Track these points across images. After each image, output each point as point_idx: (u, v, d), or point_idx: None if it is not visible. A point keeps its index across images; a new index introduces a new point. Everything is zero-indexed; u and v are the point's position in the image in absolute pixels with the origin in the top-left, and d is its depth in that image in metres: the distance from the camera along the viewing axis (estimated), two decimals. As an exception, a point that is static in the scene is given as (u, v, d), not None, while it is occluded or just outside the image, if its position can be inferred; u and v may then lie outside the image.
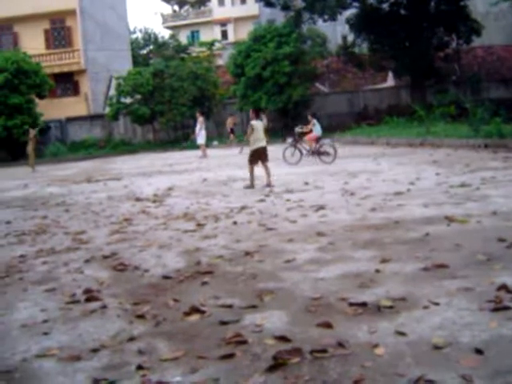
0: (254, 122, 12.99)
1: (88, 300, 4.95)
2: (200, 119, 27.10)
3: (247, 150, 13.76)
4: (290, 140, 19.32)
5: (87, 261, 6.59)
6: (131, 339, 3.94)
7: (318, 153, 17.82)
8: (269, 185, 12.52)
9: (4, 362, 3.74)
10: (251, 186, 12.59)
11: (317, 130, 18.81)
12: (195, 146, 30.05)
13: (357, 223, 7.46)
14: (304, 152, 18.16)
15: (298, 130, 19.04)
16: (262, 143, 12.89)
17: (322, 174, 13.97)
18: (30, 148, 27.30)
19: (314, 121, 19.10)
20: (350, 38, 37.64)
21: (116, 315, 4.50)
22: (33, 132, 28.06)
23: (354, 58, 36.58)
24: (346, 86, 40.67)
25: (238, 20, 69.20)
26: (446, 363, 3.17)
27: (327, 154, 17.46)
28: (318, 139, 18.50)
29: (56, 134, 39.59)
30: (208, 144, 33.45)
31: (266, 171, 12.79)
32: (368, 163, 15.93)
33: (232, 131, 32.40)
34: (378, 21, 32.78)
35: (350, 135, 29.39)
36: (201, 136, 26.60)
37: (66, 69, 42.50)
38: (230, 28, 70.39)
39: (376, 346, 3.45)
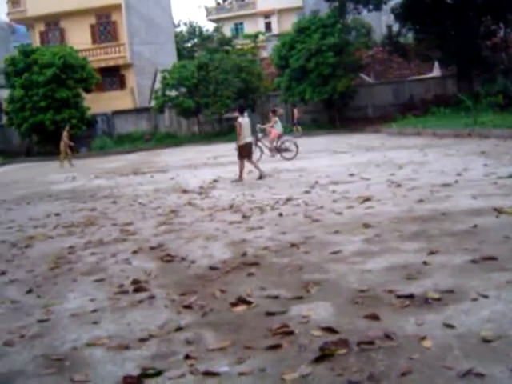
0: (240, 120, 13.65)
1: (136, 290, 5.02)
2: (275, 119, 26.98)
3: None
4: (258, 128, 19.38)
5: (135, 252, 6.68)
6: (179, 329, 3.98)
7: (278, 150, 18.25)
8: (261, 176, 13.40)
9: (55, 350, 3.83)
10: (240, 179, 13.35)
11: (278, 127, 19.15)
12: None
13: (403, 215, 7.38)
14: (264, 150, 18.38)
15: (259, 127, 19.44)
16: (249, 139, 13.81)
17: (367, 166, 13.85)
18: (63, 144, 27.65)
19: (276, 118, 19.49)
20: (395, 27, 37.14)
21: (163, 305, 4.56)
22: (66, 130, 28.41)
23: (399, 48, 36.08)
24: (392, 77, 40.19)
25: (281, 12, 68.86)
26: (494, 356, 3.12)
27: (289, 150, 17.97)
28: (279, 136, 18.83)
29: (103, 127, 40.11)
30: (253, 136, 33.51)
31: (253, 165, 13.89)
32: (414, 154, 15.73)
33: (297, 122, 32.53)
34: (424, 10, 32.23)
35: (396, 126, 29.06)
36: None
37: (112, 63, 42.98)
38: (273, 20, 70.10)
39: (424, 338, 3.42)
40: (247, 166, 13.82)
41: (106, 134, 39.41)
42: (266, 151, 18.55)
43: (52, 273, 6.06)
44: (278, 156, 18.26)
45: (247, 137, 13.70)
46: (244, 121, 13.71)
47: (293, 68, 33.90)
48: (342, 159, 16.48)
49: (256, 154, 17.64)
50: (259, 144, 18.44)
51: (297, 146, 18.08)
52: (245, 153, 13.68)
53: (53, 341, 4.03)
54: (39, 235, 8.50)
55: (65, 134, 27.97)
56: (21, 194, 15.43)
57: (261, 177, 13.36)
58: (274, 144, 18.62)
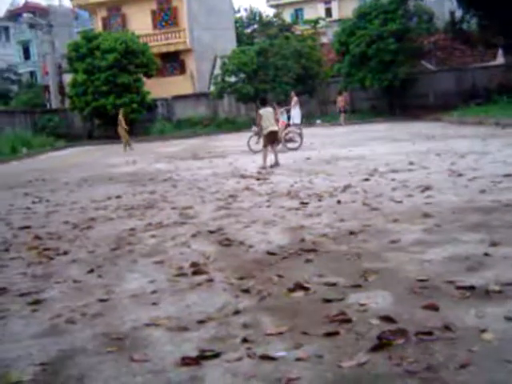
0: (261, 111, 14.55)
1: (195, 273, 5.09)
2: (295, 99, 26.95)
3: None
4: (253, 128, 19.35)
5: (194, 235, 6.76)
6: (236, 313, 4.02)
7: (284, 140, 18.32)
8: (277, 164, 14.04)
9: (115, 330, 3.91)
10: (263, 166, 13.79)
11: (284, 117, 19.38)
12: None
13: (464, 205, 7.26)
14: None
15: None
16: (272, 128, 14.31)
17: (427, 154, 13.63)
18: (121, 129, 28.04)
19: (282, 109, 19.79)
20: (458, 13, 36.25)
21: (222, 289, 4.60)
22: (122, 114, 28.80)
23: (462, 35, 35.23)
24: (454, 64, 39.35)
25: (342, -3, 68.28)
26: (558, 351, 3.06)
27: (293, 141, 18.24)
28: (286, 126, 19.04)
29: (162, 111, 40.52)
30: (312, 122, 33.42)
31: (274, 152, 14.33)
32: (476, 144, 15.40)
33: (343, 110, 32.34)
34: (489, -5, 31.33)
35: (457, 115, 28.47)
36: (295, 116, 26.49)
37: (172, 48, 43.31)
38: (334, 5, 69.47)
39: (484, 330, 3.37)
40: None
41: (166, 118, 39.81)
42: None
43: (113, 254, 6.19)
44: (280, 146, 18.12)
45: (269, 126, 14.22)
46: (265, 111, 14.41)
47: (353, 54, 33.54)
48: (401, 147, 16.26)
49: (260, 144, 17.77)
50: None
51: (301, 137, 18.54)
52: (267, 142, 14.31)
53: (113, 320, 4.12)
54: (100, 217, 8.68)
55: (120, 118, 28.39)
56: (82, 176, 15.77)
57: (270, 166, 13.86)
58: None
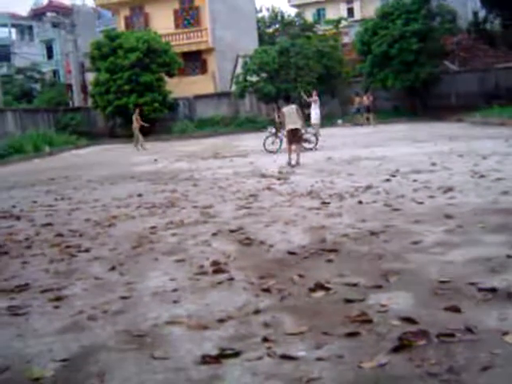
0: (284, 109, 15.07)
1: (215, 272, 5.10)
2: (315, 98, 26.91)
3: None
4: (270, 129, 19.56)
5: (214, 234, 6.78)
6: (257, 312, 4.02)
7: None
8: (297, 163, 14.20)
9: (137, 327, 3.94)
10: (289, 163, 14.29)
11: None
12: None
13: (487, 206, 7.20)
14: (284, 139, 18.14)
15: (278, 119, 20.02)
16: (293, 125, 14.59)
17: (450, 155, 13.54)
18: (135, 127, 28.23)
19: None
20: (482, 13, 35.95)
21: (242, 288, 4.61)
22: (137, 113, 28.96)
23: (485, 35, 34.95)
24: (477, 65, 39.02)
25: (365, -3, 68.03)
26: None
27: (308, 141, 18.28)
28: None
29: (184, 111, 40.60)
30: (333, 122, 33.32)
31: (296, 150, 14.57)
32: (499, 145, 15.26)
33: (368, 109, 32.18)
34: (512, -5, 31.04)
35: (480, 116, 28.23)
36: (315, 115, 26.43)
37: (194, 47, 43.39)
38: (356, 5, 69.19)
39: (506, 333, 3.34)
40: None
41: (187, 117, 39.88)
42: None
43: (134, 251, 6.22)
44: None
45: (290, 124, 14.61)
46: (288, 109, 14.84)
47: (375, 54, 33.38)
48: (423, 148, 16.16)
49: (276, 144, 18.66)
50: (279, 135, 18.72)
51: (317, 138, 18.75)
52: (290, 138, 14.67)
53: (134, 317, 4.14)
54: (122, 215, 8.73)
55: (136, 116, 28.53)
56: (104, 174, 15.87)
57: (292, 165, 14.18)
58: None
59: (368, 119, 32.16)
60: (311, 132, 19.49)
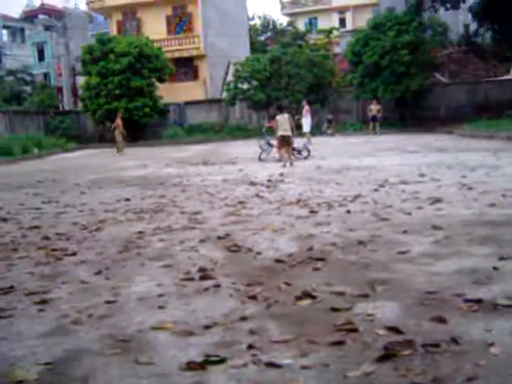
0: (278, 117, 16.80)
1: (202, 278, 5.08)
2: (306, 108, 27.05)
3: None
4: (262, 141, 19.62)
5: (202, 240, 6.76)
6: (243, 319, 4.01)
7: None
8: (291, 164, 16.21)
9: (121, 332, 3.91)
10: (283, 165, 16.06)
11: None
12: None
13: (474, 218, 7.23)
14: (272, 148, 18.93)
15: (265, 125, 21.05)
16: (284, 132, 16.33)
17: (438, 167, 13.61)
18: (117, 133, 28.24)
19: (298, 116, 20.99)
20: (473, 27, 36.21)
21: (229, 295, 4.59)
22: (119, 118, 29.00)
23: (476, 48, 35.19)
24: (467, 77, 39.28)
25: (356, 8, 68.33)
26: None
27: (299, 152, 18.79)
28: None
29: (174, 117, 40.61)
30: (323, 132, 33.44)
31: (287, 154, 16.56)
32: (487, 157, 15.35)
33: (374, 118, 32.32)
34: (504, 8, 31.19)
35: (469, 128, 28.41)
36: (306, 124, 26.55)
37: (186, 54, 43.50)
38: (348, 16, 69.58)
39: (491, 344, 3.34)
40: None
41: (178, 123, 39.90)
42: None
43: (121, 256, 6.20)
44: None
45: (282, 131, 16.31)
46: (281, 118, 16.64)
47: (366, 65, 33.56)
48: (412, 159, 16.24)
49: (268, 153, 18.98)
50: (270, 142, 19.03)
51: (308, 150, 18.94)
52: (281, 143, 16.55)
53: (119, 322, 4.12)
54: (109, 219, 8.70)
55: (118, 121, 28.55)
56: (93, 178, 15.82)
57: (284, 165, 16.03)
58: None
59: (374, 128, 32.28)
60: (303, 143, 19.65)
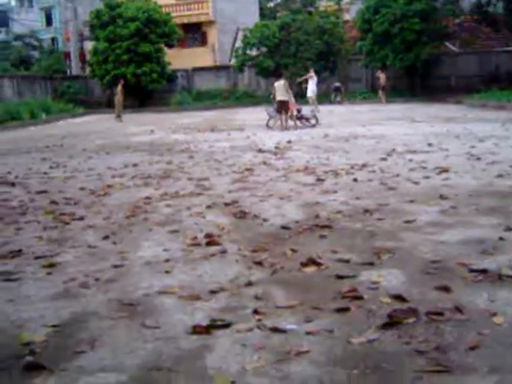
0: (275, 84, 18.56)
1: (208, 244, 5.11)
2: (311, 74, 26.87)
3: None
4: (270, 108, 19.72)
5: (209, 206, 6.78)
6: (249, 284, 4.04)
7: (299, 118, 19.15)
8: (286, 128, 17.67)
9: (128, 296, 3.95)
10: (282, 128, 17.67)
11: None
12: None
13: (482, 189, 7.22)
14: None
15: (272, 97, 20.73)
16: (281, 97, 17.76)
17: (446, 137, 13.53)
18: (117, 99, 28.11)
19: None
20: (485, -5, 35.71)
21: (235, 260, 4.62)
22: (121, 84, 28.84)
23: (488, 18, 34.67)
24: (478, 47, 38.83)
25: (369, -26, 67.39)
26: None
27: (308, 120, 19.13)
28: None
29: (182, 83, 40.40)
30: (331, 101, 33.19)
31: (284, 118, 17.93)
32: (497, 128, 15.25)
33: (383, 87, 32.17)
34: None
35: (479, 98, 28.16)
36: (310, 90, 26.39)
37: (194, 19, 43.12)
38: (359, -18, 68.69)
39: (495, 314, 3.36)
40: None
41: (186, 89, 39.71)
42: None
43: (128, 221, 6.23)
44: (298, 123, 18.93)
45: (279, 96, 17.79)
46: (278, 84, 18.29)
47: (376, 32, 33.18)
48: (420, 128, 16.15)
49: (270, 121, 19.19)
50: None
51: (316, 118, 19.05)
52: (279, 108, 17.97)
53: (126, 286, 4.16)
54: (117, 184, 8.73)
55: (119, 88, 28.40)
56: (100, 143, 15.83)
57: (282, 129, 17.57)
58: (294, 113, 19.11)
59: (381, 96, 32.15)
60: (310, 111, 19.68)
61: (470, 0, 39.62)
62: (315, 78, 25.78)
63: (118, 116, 27.54)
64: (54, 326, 3.49)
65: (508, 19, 33.59)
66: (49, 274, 4.52)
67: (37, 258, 4.95)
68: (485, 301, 3.59)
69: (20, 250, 5.17)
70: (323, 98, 31.63)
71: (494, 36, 38.82)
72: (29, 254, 5.06)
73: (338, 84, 33.68)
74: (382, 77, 32.43)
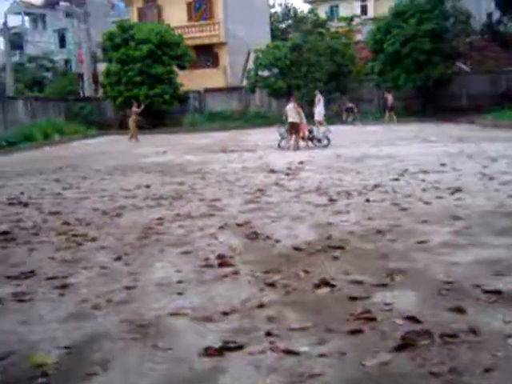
0: (286, 107, 19.26)
1: (221, 265, 5.11)
2: (318, 96, 26.98)
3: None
4: (282, 129, 19.75)
5: (221, 227, 6.78)
6: (261, 306, 4.03)
7: (310, 139, 19.47)
8: (298, 148, 18.26)
9: (140, 317, 3.95)
10: (293, 148, 18.22)
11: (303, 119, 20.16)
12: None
13: (495, 209, 7.18)
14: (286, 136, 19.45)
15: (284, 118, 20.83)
16: (291, 120, 18.62)
17: (459, 156, 13.49)
18: (131, 121, 28.34)
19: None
20: (496, 15, 35.74)
21: (247, 282, 4.62)
22: (135, 106, 29.07)
23: (498, 37, 34.70)
24: (489, 66, 38.81)
25: (379, -5, 67.75)
26: None
27: (319, 141, 19.35)
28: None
29: (194, 104, 40.57)
30: (343, 121, 33.22)
31: (295, 138, 18.52)
32: (509, 147, 15.19)
33: (391, 108, 32.27)
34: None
35: (491, 117, 28.09)
36: (317, 113, 26.49)
37: (206, 41, 43.37)
38: (369, 3, 68.87)
39: (509, 336, 3.34)
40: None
41: (198, 110, 39.88)
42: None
43: (140, 242, 6.24)
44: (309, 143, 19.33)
45: (290, 118, 18.64)
46: (288, 107, 19.03)
47: (387, 52, 33.23)
48: (433, 148, 16.11)
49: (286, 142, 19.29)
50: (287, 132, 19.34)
51: (328, 139, 19.15)
52: (290, 130, 18.70)
53: (138, 308, 4.15)
54: (129, 205, 8.76)
55: (134, 109, 28.62)
56: (113, 164, 15.89)
57: (294, 149, 18.07)
58: (305, 134, 19.41)
59: (391, 117, 32.23)
60: (322, 132, 19.73)
61: (480, 19, 39.74)
62: (322, 100, 25.99)
63: (132, 137, 27.71)
64: (66, 347, 3.49)
65: (518, 38, 33.62)
66: (61, 295, 4.53)
67: (49, 278, 4.96)
68: (499, 322, 3.56)
69: (33, 271, 5.19)
70: (335, 118, 31.68)
71: (505, 55, 38.82)
72: (41, 275, 5.08)
73: (350, 104, 33.75)
74: (389, 97, 32.52)
